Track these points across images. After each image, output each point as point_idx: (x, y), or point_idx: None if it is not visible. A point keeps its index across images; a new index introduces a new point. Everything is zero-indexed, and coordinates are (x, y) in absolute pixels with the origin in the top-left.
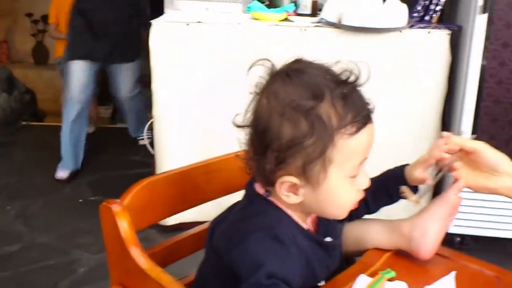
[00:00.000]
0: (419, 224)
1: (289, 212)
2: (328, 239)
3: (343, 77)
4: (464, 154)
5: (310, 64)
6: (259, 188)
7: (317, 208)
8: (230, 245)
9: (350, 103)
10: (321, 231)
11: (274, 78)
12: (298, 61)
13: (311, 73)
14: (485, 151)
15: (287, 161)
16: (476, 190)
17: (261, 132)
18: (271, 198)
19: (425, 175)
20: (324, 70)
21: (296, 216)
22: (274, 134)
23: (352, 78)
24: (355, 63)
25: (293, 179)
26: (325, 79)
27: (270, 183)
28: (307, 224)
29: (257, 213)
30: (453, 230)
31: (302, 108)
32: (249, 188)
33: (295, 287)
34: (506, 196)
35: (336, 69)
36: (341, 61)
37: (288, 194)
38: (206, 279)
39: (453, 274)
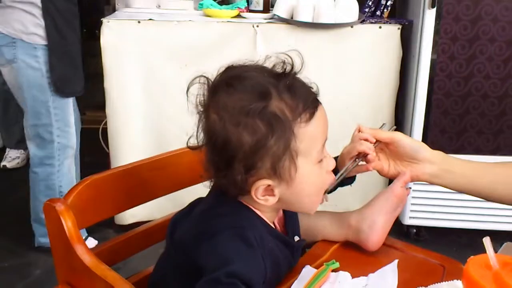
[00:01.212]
0: (366, 216)
1: (259, 212)
2: (296, 238)
3: (280, 70)
4: (383, 145)
5: (245, 68)
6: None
7: (295, 202)
8: (197, 241)
9: (296, 92)
10: (289, 231)
11: (216, 91)
12: (231, 68)
13: (250, 75)
14: (402, 139)
15: (256, 166)
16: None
17: (221, 148)
18: (241, 199)
19: (357, 167)
20: (261, 69)
21: (265, 216)
22: (236, 145)
23: (288, 68)
24: (285, 53)
25: (266, 182)
26: (265, 77)
27: (244, 192)
28: (275, 223)
29: (227, 213)
30: (408, 222)
31: (254, 111)
32: (216, 189)
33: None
34: (428, 182)
35: (269, 64)
36: (271, 55)
37: (265, 197)
38: (165, 276)
39: (395, 262)
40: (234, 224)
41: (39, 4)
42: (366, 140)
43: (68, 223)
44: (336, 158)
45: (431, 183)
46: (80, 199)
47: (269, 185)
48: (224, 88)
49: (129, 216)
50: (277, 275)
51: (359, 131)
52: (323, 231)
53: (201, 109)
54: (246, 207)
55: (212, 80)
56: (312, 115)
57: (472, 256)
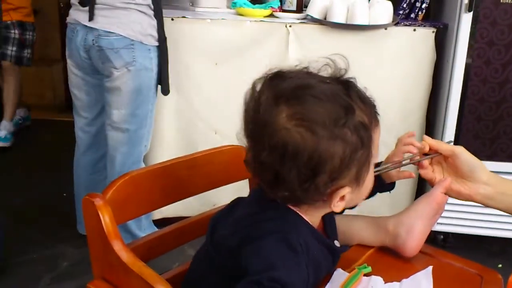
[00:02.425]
0: (404, 221)
1: (305, 216)
2: (337, 243)
3: (338, 75)
4: (442, 158)
5: (302, 74)
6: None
7: (352, 203)
8: (241, 244)
9: (365, 98)
10: (330, 235)
11: (287, 101)
12: (284, 75)
13: (317, 84)
14: (463, 155)
15: (343, 176)
16: (448, 194)
17: (307, 161)
18: (289, 204)
19: (401, 172)
20: (318, 76)
21: (310, 221)
22: (327, 157)
23: (343, 73)
24: (334, 57)
25: (348, 189)
26: (334, 85)
27: (318, 199)
28: (320, 230)
29: (273, 217)
30: (436, 228)
31: (346, 123)
32: (259, 193)
33: None
34: (480, 203)
35: (317, 66)
36: (318, 59)
37: (338, 204)
38: (204, 276)
39: (429, 268)
40: (280, 229)
41: (151, 5)
42: (411, 144)
43: (106, 218)
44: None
45: (484, 205)
46: (118, 195)
47: (348, 192)
48: (304, 101)
49: (156, 212)
50: (317, 280)
51: (409, 136)
52: (360, 235)
53: (260, 120)
54: (293, 212)
55: (256, 85)
56: (378, 120)
57: None
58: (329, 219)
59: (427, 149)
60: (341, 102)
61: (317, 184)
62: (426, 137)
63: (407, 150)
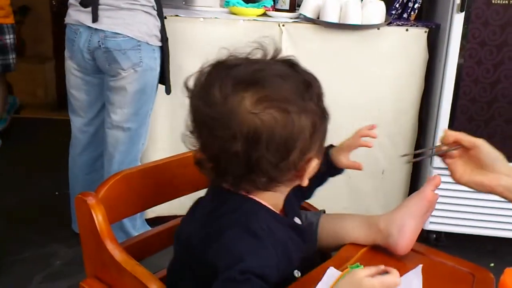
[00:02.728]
0: (396, 220)
1: (264, 202)
2: (297, 220)
3: (276, 55)
4: (463, 150)
5: (251, 60)
6: (226, 185)
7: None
8: (205, 243)
9: (308, 71)
10: (289, 213)
11: (254, 90)
12: (231, 63)
13: (270, 67)
14: (484, 147)
15: (312, 148)
16: (470, 186)
17: (281, 141)
18: (243, 192)
19: (351, 161)
20: (263, 60)
21: (270, 205)
22: (299, 133)
23: (279, 53)
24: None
25: (316, 161)
26: (280, 65)
27: (292, 177)
28: (280, 211)
29: (231, 210)
30: (428, 227)
31: (311, 95)
32: (216, 190)
33: (272, 281)
34: (501, 195)
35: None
36: (246, 44)
37: (307, 178)
38: (181, 279)
39: (419, 267)
40: (240, 220)
41: (155, 6)
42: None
43: (98, 217)
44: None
45: (504, 197)
46: (110, 193)
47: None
48: (270, 83)
49: (149, 211)
50: (288, 260)
51: (368, 129)
52: (352, 234)
53: (221, 111)
54: (251, 200)
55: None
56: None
57: (508, 268)
58: (287, 198)
59: (450, 140)
60: (298, 78)
61: (291, 162)
62: (447, 130)
63: (363, 144)
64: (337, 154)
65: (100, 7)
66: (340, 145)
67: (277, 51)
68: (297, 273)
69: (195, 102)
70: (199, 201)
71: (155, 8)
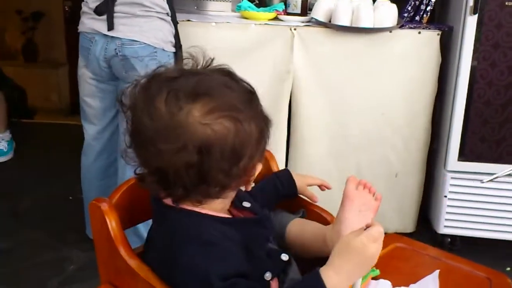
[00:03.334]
0: (334, 231)
1: (206, 210)
2: (246, 204)
3: (210, 65)
4: None
5: (183, 72)
6: (168, 201)
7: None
8: (166, 269)
9: (243, 78)
10: (237, 204)
11: (202, 101)
12: (168, 78)
13: (212, 77)
14: None
15: (257, 153)
16: None
17: (233, 149)
18: (184, 206)
19: (311, 192)
20: (201, 70)
21: (216, 211)
22: (249, 140)
23: (208, 62)
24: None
25: (260, 166)
26: (219, 74)
27: (240, 183)
28: (228, 212)
29: (175, 228)
30: (443, 230)
31: (256, 101)
32: (157, 205)
33: (253, 277)
34: None
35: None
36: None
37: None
38: None
39: (436, 272)
40: (187, 236)
41: (169, 12)
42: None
43: (112, 223)
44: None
45: None
46: (124, 199)
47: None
48: (206, 94)
49: None
50: (252, 255)
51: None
52: (310, 248)
53: (168, 124)
54: (191, 213)
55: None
56: None
57: None
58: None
59: None
60: (242, 86)
61: (241, 168)
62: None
63: (309, 195)
64: (301, 182)
65: (115, 15)
66: (302, 176)
67: (208, 60)
68: (284, 257)
69: (136, 116)
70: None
71: (169, 14)
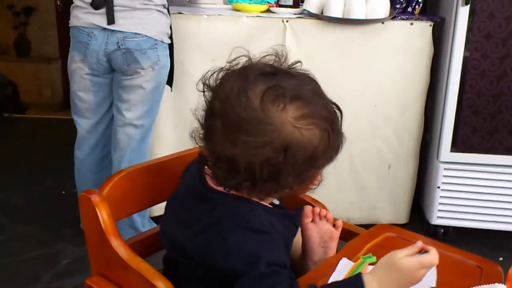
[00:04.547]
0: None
1: (256, 199)
2: (276, 201)
3: (286, 65)
4: None
5: (280, 70)
6: (216, 185)
7: None
8: (207, 252)
9: None
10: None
11: (297, 105)
12: (287, 73)
13: (305, 81)
14: None
15: (326, 165)
16: None
17: (310, 156)
18: (234, 192)
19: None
20: (289, 70)
21: (263, 201)
22: (326, 151)
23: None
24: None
25: (320, 177)
26: (305, 78)
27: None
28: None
29: (228, 212)
30: (436, 221)
31: (340, 118)
32: (204, 189)
33: (289, 268)
34: None
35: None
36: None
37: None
38: (175, 274)
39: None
40: (240, 220)
41: (166, 4)
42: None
43: (103, 215)
44: None
45: None
46: (115, 191)
47: None
48: (301, 99)
49: (156, 208)
50: (287, 248)
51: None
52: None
53: (260, 118)
54: (243, 199)
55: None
56: None
57: None
58: None
59: None
60: (327, 97)
61: (310, 175)
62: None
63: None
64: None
65: (115, 8)
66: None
67: (293, 62)
68: None
69: (225, 102)
70: (174, 201)
71: (166, 6)
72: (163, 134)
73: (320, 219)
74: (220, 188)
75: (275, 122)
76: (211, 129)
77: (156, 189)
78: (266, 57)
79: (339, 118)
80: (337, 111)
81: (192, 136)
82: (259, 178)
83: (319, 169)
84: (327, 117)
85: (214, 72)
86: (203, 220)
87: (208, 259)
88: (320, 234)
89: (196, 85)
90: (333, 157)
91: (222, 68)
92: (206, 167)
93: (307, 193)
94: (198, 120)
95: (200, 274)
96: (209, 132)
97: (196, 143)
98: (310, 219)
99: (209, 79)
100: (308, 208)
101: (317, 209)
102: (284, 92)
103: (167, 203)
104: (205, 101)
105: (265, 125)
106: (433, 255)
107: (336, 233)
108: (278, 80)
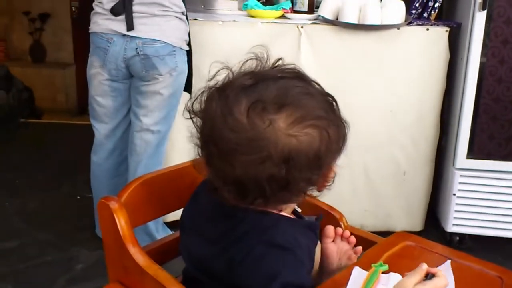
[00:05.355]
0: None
1: (280, 211)
2: (298, 208)
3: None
4: None
5: (260, 76)
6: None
7: None
8: (231, 267)
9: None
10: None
11: (287, 111)
12: (268, 79)
13: (291, 83)
14: None
15: (337, 158)
16: None
17: (316, 158)
18: (256, 206)
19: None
20: (272, 72)
21: (286, 212)
22: (332, 146)
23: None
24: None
25: (335, 168)
26: (292, 79)
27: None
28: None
29: (251, 227)
30: (452, 229)
31: (336, 106)
32: (227, 206)
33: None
34: None
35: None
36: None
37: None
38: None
39: (448, 262)
40: (263, 236)
41: (185, 11)
42: None
43: (121, 221)
44: None
45: None
46: (133, 198)
47: None
48: (290, 104)
49: (171, 214)
50: (312, 261)
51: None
52: None
53: (252, 134)
54: (267, 213)
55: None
56: None
57: None
58: None
59: None
60: (318, 90)
61: (322, 174)
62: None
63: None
64: None
65: (134, 14)
66: None
67: (276, 60)
68: None
69: (214, 128)
70: (197, 217)
71: (185, 13)
72: (177, 141)
73: (341, 240)
74: (241, 204)
75: (267, 137)
76: (208, 155)
77: (173, 196)
78: (247, 62)
79: (336, 109)
80: (332, 101)
81: (194, 167)
82: (270, 193)
83: (330, 165)
84: (321, 115)
85: (197, 97)
86: (229, 236)
87: (231, 275)
88: (339, 255)
89: (183, 113)
90: (341, 149)
91: (204, 89)
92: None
93: (322, 198)
94: (196, 148)
95: None
96: (208, 158)
97: (200, 173)
98: (332, 240)
99: (192, 105)
100: (330, 229)
101: (340, 230)
102: (266, 106)
103: (185, 217)
104: (196, 128)
105: (259, 141)
106: (442, 279)
107: (355, 257)
108: (259, 91)
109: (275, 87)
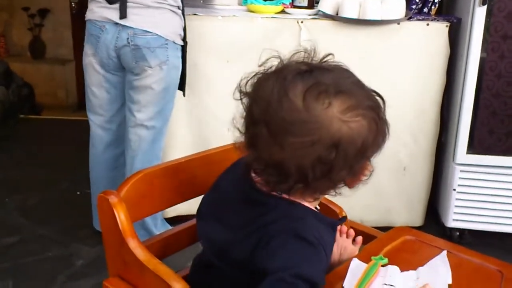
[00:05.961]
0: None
1: (309, 204)
2: (318, 206)
3: (318, 59)
4: None
5: (315, 65)
6: (267, 188)
7: None
8: (254, 252)
9: None
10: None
11: (341, 98)
12: (323, 69)
13: (343, 73)
14: None
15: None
16: None
17: (361, 147)
18: (287, 196)
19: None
20: (324, 65)
21: (312, 206)
22: (376, 140)
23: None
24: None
25: (370, 166)
26: (343, 71)
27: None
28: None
29: (280, 216)
30: (452, 224)
31: (381, 104)
32: (257, 193)
33: (321, 285)
34: None
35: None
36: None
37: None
38: (204, 273)
39: (444, 253)
40: (291, 227)
41: (180, 6)
42: None
43: (121, 216)
44: None
45: None
46: (132, 192)
47: None
48: (343, 92)
49: (170, 210)
50: (329, 259)
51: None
52: None
53: (305, 117)
54: (297, 205)
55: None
56: None
57: None
58: None
59: None
60: (368, 86)
61: (362, 166)
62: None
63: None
64: None
65: (128, 4)
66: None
67: (325, 55)
68: None
69: (266, 108)
70: (220, 204)
71: (180, 7)
72: (176, 135)
73: (340, 235)
74: (273, 192)
75: (321, 120)
76: (255, 136)
77: (173, 190)
78: (296, 55)
79: (383, 106)
80: (378, 99)
81: (235, 146)
82: (312, 178)
83: (369, 159)
84: (372, 106)
85: (249, 78)
86: (256, 222)
87: (250, 259)
88: (340, 250)
89: (233, 94)
90: (381, 145)
91: (256, 73)
92: (253, 174)
93: (329, 196)
94: (238, 129)
95: (234, 277)
96: (254, 139)
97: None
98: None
99: (245, 86)
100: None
101: (344, 228)
102: (326, 88)
103: (204, 204)
104: (244, 109)
105: (312, 124)
106: None
107: (355, 250)
108: (316, 77)
109: (329, 75)
